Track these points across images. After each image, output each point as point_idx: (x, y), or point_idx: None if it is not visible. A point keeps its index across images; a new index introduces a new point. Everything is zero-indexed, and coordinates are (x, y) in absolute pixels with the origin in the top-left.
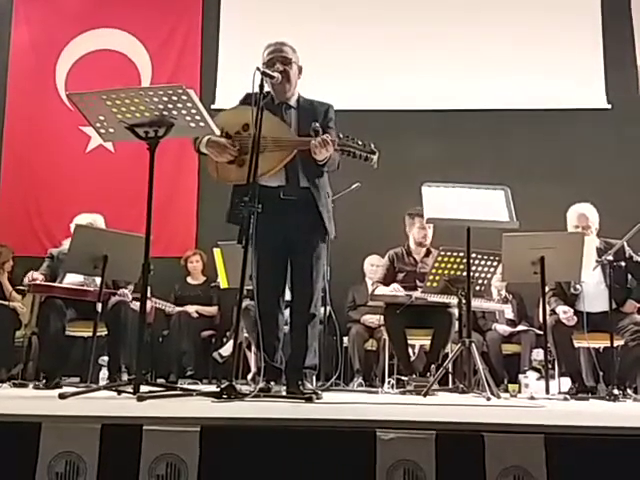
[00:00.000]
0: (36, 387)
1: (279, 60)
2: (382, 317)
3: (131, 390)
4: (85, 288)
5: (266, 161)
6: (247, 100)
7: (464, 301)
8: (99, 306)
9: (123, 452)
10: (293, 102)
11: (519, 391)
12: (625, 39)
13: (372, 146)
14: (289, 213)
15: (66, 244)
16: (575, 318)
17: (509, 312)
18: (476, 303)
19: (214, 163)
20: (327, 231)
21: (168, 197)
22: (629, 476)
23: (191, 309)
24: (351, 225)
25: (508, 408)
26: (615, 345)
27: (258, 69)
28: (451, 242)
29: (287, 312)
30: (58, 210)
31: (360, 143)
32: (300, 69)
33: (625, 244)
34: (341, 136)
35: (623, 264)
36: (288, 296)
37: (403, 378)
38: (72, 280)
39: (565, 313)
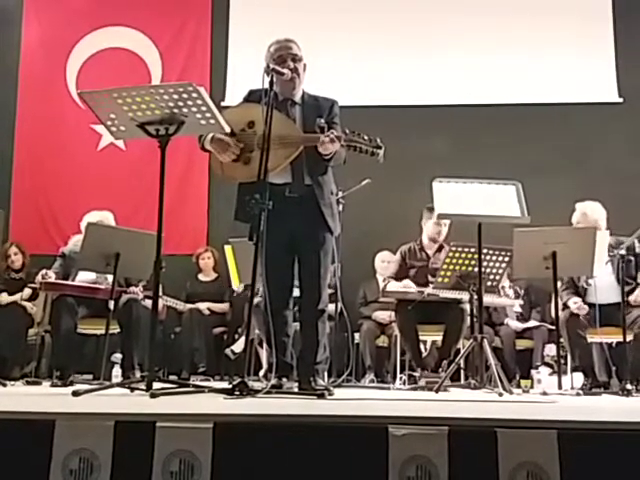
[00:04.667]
0: (53, 385)
1: (289, 57)
2: (393, 313)
3: (144, 387)
4: (96, 286)
5: (272, 158)
6: (251, 97)
7: (476, 297)
8: (111, 304)
9: (136, 449)
10: (298, 98)
11: (531, 386)
12: (637, 32)
13: (378, 141)
14: (294, 211)
15: (74, 240)
16: (586, 307)
17: (517, 306)
18: (488, 299)
19: (219, 161)
20: (330, 229)
21: (179, 194)
22: None
23: (203, 306)
24: (362, 221)
25: (521, 404)
26: (628, 340)
27: (269, 66)
28: (464, 238)
29: (296, 309)
30: (70, 208)
31: (366, 138)
32: (305, 66)
33: (635, 241)
34: (347, 132)
35: (632, 259)
36: (296, 293)
37: (415, 374)
38: (85, 278)
39: (576, 304)
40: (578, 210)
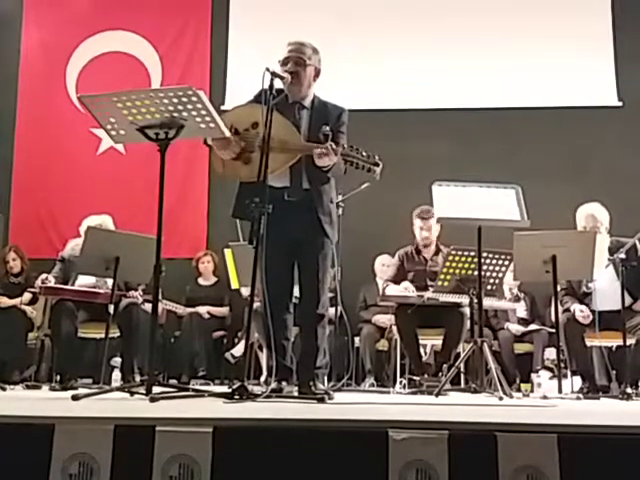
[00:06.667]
0: (52, 389)
1: (293, 60)
2: (393, 317)
3: (143, 391)
4: (96, 290)
5: (271, 162)
6: (260, 97)
7: (475, 300)
8: (111, 308)
9: (136, 453)
10: (307, 103)
11: (531, 390)
12: (636, 35)
13: (376, 158)
14: (293, 215)
15: (72, 244)
16: (591, 316)
17: (521, 311)
18: (487, 302)
19: (220, 157)
20: (328, 236)
21: (179, 198)
22: None
23: (202, 310)
24: (362, 225)
25: (521, 407)
26: (628, 344)
27: (267, 69)
28: (462, 241)
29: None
30: (70, 212)
31: (364, 154)
32: (317, 72)
33: (637, 242)
34: (345, 146)
35: (635, 264)
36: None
37: (415, 378)
38: (84, 282)
39: (582, 312)
40: (584, 212)
